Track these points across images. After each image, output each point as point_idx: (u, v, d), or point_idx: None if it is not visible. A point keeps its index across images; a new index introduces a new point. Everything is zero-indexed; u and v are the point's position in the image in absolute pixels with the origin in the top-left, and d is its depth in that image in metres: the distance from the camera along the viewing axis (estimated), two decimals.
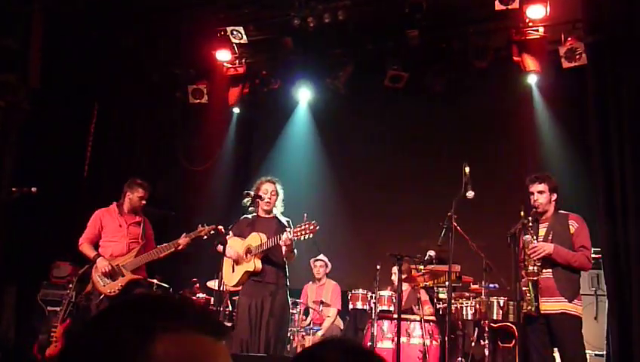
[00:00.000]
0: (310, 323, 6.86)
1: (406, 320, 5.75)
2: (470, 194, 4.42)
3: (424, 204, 7.41)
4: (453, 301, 5.13)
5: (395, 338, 5.18)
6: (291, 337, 6.29)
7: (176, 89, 8.35)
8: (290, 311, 5.57)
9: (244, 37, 7.52)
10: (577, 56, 6.43)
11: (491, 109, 7.61)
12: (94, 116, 7.56)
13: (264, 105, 8.89)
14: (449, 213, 4.54)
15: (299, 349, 6.22)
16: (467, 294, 5.78)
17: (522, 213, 4.27)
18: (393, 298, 5.92)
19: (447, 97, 7.72)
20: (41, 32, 6.48)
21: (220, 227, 4.82)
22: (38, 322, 6.13)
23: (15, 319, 6.46)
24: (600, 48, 5.77)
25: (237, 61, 8.04)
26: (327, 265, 7.13)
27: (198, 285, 7.31)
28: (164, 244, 5.20)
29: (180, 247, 5.10)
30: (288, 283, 4.83)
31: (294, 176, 7.68)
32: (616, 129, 5.48)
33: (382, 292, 6.06)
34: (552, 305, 4.15)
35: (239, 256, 4.67)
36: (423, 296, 6.31)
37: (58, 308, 5.73)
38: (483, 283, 5.36)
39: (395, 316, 5.36)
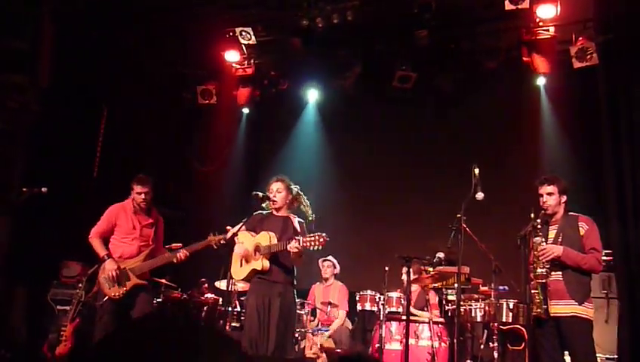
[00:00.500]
0: (318, 324, 6.85)
1: (415, 321, 5.73)
2: (480, 195, 4.38)
3: (433, 205, 7.38)
4: (462, 303, 5.09)
5: (404, 340, 5.16)
6: (299, 338, 6.29)
7: (184, 90, 8.38)
8: (298, 311, 5.54)
9: (253, 37, 7.54)
10: (588, 56, 6.38)
11: (501, 110, 7.57)
12: (104, 117, 7.60)
13: (273, 105, 8.90)
14: (458, 215, 4.50)
15: (307, 349, 6.22)
16: (476, 296, 5.75)
17: (532, 215, 4.24)
18: (402, 299, 5.90)
19: (456, 98, 7.69)
20: (51, 34, 6.52)
21: (228, 227, 4.81)
22: (48, 321, 6.17)
23: (25, 318, 6.51)
24: (611, 48, 5.73)
25: (246, 62, 8.07)
26: (335, 266, 7.11)
27: (206, 285, 7.34)
28: (168, 254, 5.16)
29: (177, 261, 5.06)
30: (296, 283, 4.82)
31: (303, 176, 7.59)
32: (628, 128, 5.43)
33: (390, 294, 6.04)
34: (562, 308, 4.11)
35: (248, 253, 4.68)
36: (432, 297, 6.29)
37: (68, 308, 5.76)
38: (492, 285, 5.33)
39: (404, 317, 5.34)
